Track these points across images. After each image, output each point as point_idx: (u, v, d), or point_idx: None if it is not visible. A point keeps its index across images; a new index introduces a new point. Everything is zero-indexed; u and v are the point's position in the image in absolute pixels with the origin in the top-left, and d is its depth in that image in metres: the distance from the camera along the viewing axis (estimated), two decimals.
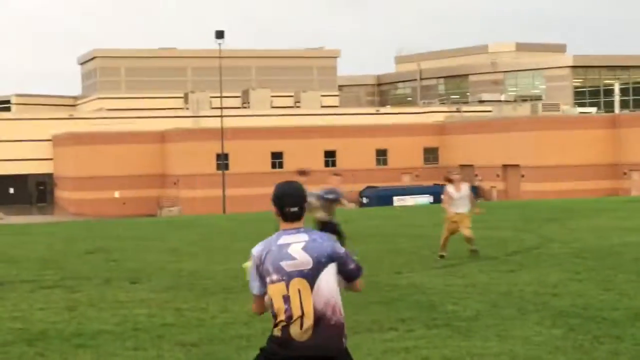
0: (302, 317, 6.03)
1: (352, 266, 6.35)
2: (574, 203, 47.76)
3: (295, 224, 6.29)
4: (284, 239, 6.21)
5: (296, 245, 6.16)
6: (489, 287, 15.98)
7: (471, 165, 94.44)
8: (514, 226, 31.39)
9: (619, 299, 14.31)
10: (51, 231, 35.74)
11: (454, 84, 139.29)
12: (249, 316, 12.91)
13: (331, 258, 6.17)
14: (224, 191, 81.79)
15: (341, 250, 6.28)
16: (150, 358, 10.99)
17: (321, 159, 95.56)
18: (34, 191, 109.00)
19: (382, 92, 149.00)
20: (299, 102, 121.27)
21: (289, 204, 6.28)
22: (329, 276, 6.13)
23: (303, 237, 6.20)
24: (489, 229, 30.07)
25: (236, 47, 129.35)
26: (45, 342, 12.10)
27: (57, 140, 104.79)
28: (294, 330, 6.03)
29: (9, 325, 13.46)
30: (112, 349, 11.48)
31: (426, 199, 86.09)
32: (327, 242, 6.22)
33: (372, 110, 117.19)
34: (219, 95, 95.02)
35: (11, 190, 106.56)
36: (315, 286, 6.07)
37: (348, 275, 6.33)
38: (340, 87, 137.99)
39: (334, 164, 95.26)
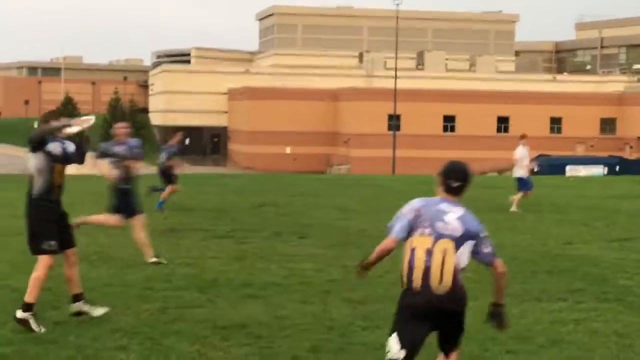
0: (442, 272, 6.78)
1: (487, 250, 6.96)
2: None
3: (455, 197, 7.07)
4: (443, 206, 7.00)
5: (452, 214, 6.94)
6: None
7: None
8: None
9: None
10: (224, 183, 36.53)
11: (637, 53, 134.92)
12: None
13: (475, 236, 6.91)
14: (394, 152, 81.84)
15: (484, 233, 6.97)
16: (317, 312, 11.10)
17: (494, 124, 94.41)
18: (208, 143, 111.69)
19: (560, 59, 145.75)
20: (474, 66, 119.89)
21: (454, 178, 7.05)
22: (466, 249, 6.87)
23: (459, 210, 6.99)
24: None
25: (413, 8, 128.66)
26: (216, 290, 12.39)
27: (233, 94, 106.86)
28: (433, 282, 6.79)
29: (183, 271, 13.84)
30: (280, 301, 11.65)
31: (600, 169, 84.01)
32: (477, 222, 6.97)
33: (549, 77, 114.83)
34: (393, 56, 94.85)
35: (187, 142, 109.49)
36: (458, 252, 6.82)
37: (480, 257, 6.95)
38: (517, 52, 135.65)
39: (506, 130, 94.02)
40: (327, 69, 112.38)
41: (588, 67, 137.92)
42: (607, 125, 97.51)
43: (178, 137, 25.72)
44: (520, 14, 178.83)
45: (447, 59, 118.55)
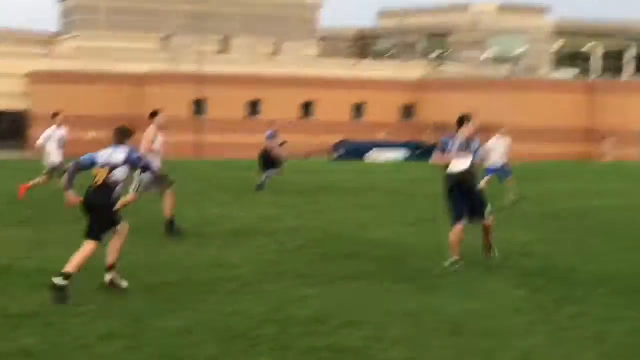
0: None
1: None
2: (549, 165, 47.98)
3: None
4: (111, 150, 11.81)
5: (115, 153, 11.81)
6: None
7: (447, 124, 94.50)
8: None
9: (587, 262, 14.36)
10: (23, 168, 35.47)
11: (435, 42, 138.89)
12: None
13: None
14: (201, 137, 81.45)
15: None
16: (112, 298, 10.95)
17: (298, 109, 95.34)
18: (6, 127, 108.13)
19: (364, 46, 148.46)
20: (279, 51, 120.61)
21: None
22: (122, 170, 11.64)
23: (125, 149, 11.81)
24: None
25: None
26: (9, 278, 12.07)
27: (33, 78, 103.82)
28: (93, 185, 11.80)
29: None
30: (75, 288, 11.40)
31: (401, 154, 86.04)
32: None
33: (352, 63, 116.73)
34: (200, 40, 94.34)
35: None
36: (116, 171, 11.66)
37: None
38: (321, 39, 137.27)
39: (311, 115, 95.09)
40: (132, 52, 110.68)
41: (389, 54, 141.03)
42: (407, 111, 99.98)
43: None
44: (323, 1, 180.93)
45: (252, 44, 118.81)
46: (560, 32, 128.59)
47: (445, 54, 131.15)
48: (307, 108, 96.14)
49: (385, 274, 12.97)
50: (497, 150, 25.30)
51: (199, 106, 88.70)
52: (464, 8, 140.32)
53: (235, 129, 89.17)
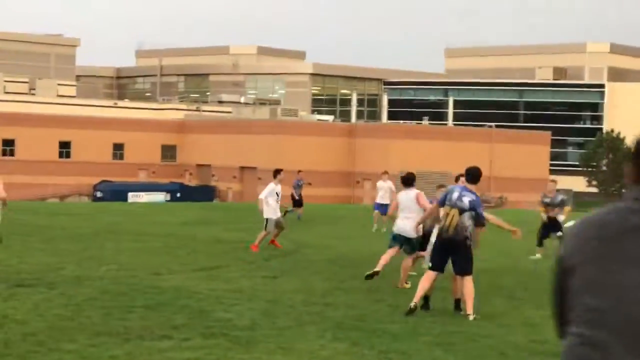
0: None
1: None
2: (315, 209, 48.16)
3: None
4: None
5: None
6: (257, 294, 15.34)
7: (209, 165, 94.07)
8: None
9: (392, 311, 14.04)
10: None
11: (195, 83, 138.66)
12: None
13: None
14: None
15: None
16: None
17: (56, 149, 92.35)
18: None
19: (121, 85, 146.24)
20: (34, 89, 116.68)
21: None
22: None
23: None
24: (242, 230, 29.53)
25: None
26: None
27: None
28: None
29: None
30: None
31: (162, 196, 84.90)
32: None
33: (110, 102, 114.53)
34: None
35: None
36: None
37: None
38: (78, 77, 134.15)
39: (68, 155, 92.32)
40: None
41: (148, 94, 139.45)
42: (168, 152, 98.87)
43: None
44: (81, 39, 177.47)
45: (5, 81, 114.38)
46: (317, 76, 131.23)
47: (205, 95, 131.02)
48: (64, 147, 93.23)
49: (194, 327, 12.11)
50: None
51: None
52: (223, 49, 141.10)
53: None
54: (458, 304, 14.13)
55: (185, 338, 11.36)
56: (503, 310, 14.43)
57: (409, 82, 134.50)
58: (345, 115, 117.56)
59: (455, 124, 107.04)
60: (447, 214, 13.47)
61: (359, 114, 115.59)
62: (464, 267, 13.57)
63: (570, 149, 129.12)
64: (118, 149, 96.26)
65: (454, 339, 11.98)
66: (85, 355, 10.31)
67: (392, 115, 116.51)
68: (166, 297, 14.58)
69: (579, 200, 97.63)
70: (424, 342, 11.66)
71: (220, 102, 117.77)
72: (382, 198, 31.92)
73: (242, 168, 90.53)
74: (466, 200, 13.37)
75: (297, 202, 37.15)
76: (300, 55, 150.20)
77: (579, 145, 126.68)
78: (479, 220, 13.46)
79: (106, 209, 43.11)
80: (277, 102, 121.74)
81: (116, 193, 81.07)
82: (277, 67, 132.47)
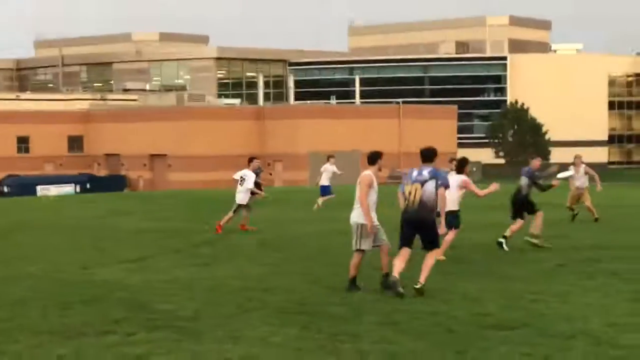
0: None
1: None
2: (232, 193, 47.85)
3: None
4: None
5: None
6: (193, 283, 15.11)
7: (117, 155, 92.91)
8: (183, 217, 30.67)
9: (332, 293, 13.96)
10: None
11: (98, 72, 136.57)
12: None
13: None
14: None
15: None
16: None
17: None
18: None
19: (22, 77, 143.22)
20: None
21: None
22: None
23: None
24: (157, 220, 29.19)
25: None
26: None
27: None
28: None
29: None
30: None
31: (71, 188, 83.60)
32: None
33: (12, 95, 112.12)
34: None
35: None
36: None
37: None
38: None
39: None
40: None
41: (51, 85, 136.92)
42: (75, 143, 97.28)
43: None
44: None
45: None
46: (222, 60, 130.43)
47: (109, 84, 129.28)
48: None
49: (136, 320, 11.85)
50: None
51: None
52: (125, 37, 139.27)
53: None
54: (386, 278, 14.07)
55: (129, 332, 11.10)
56: (441, 287, 14.47)
57: (313, 62, 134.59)
58: (252, 99, 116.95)
59: (362, 102, 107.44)
60: (409, 192, 13.72)
61: (266, 97, 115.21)
62: (433, 242, 13.86)
63: (476, 122, 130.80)
64: (23, 142, 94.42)
65: (400, 318, 11.95)
66: (33, 356, 10.01)
67: (299, 96, 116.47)
68: (101, 291, 14.27)
69: (486, 172, 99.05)
70: (372, 323, 11.60)
71: (125, 90, 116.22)
72: (325, 180, 33.02)
73: (152, 156, 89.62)
74: (425, 172, 13.72)
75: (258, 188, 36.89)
76: (203, 39, 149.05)
77: (485, 118, 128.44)
78: (443, 184, 13.79)
79: (17, 204, 42.17)
80: (183, 88, 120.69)
81: (24, 187, 79.56)
82: (180, 53, 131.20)
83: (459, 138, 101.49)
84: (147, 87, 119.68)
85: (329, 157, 34.14)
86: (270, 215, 29.40)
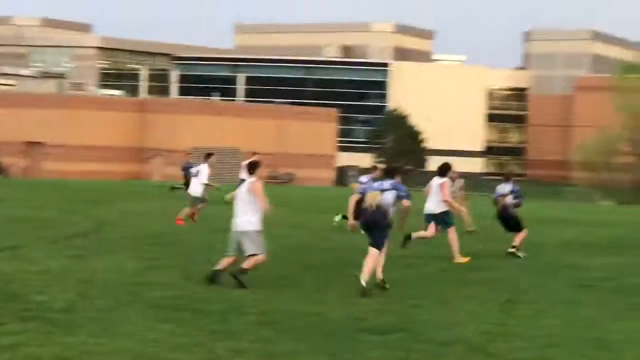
0: None
1: None
2: (110, 185, 47.23)
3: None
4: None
5: None
6: (67, 274, 14.79)
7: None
8: (58, 207, 30.00)
9: (201, 290, 13.84)
10: None
11: None
12: None
13: None
14: None
15: None
16: None
17: None
18: None
19: None
20: None
21: None
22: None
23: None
24: (31, 208, 28.56)
25: None
26: None
27: None
28: None
29: None
30: None
31: None
32: None
33: None
34: None
35: None
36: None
37: None
38: None
39: None
40: None
41: None
42: None
43: None
44: None
45: None
46: (105, 50, 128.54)
47: None
48: None
49: (7, 310, 11.52)
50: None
51: None
52: (5, 20, 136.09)
53: None
54: (235, 276, 14.12)
55: (0, 322, 10.80)
56: (317, 288, 14.50)
57: (198, 57, 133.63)
58: (134, 91, 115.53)
59: (246, 101, 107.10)
60: (370, 197, 14.85)
61: (150, 90, 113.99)
62: (378, 242, 14.67)
63: (358, 126, 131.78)
64: None
65: (279, 317, 11.93)
66: None
67: (183, 91, 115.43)
68: None
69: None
70: (251, 322, 11.55)
71: (2, 74, 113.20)
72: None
73: (28, 143, 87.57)
74: (386, 184, 14.95)
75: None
76: (85, 27, 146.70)
77: (367, 123, 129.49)
78: (401, 196, 14.86)
79: None
80: (63, 76, 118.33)
81: None
82: (63, 40, 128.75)
83: (340, 142, 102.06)
84: (26, 72, 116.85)
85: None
86: (145, 209, 29.07)
